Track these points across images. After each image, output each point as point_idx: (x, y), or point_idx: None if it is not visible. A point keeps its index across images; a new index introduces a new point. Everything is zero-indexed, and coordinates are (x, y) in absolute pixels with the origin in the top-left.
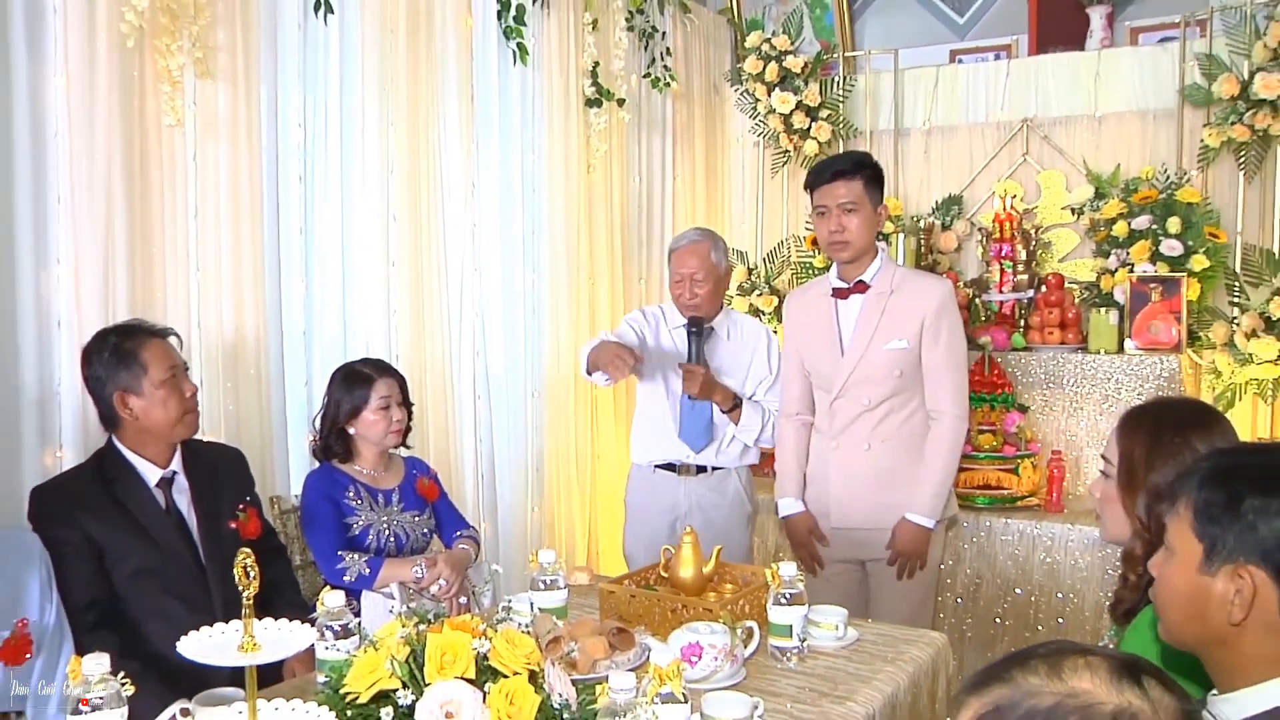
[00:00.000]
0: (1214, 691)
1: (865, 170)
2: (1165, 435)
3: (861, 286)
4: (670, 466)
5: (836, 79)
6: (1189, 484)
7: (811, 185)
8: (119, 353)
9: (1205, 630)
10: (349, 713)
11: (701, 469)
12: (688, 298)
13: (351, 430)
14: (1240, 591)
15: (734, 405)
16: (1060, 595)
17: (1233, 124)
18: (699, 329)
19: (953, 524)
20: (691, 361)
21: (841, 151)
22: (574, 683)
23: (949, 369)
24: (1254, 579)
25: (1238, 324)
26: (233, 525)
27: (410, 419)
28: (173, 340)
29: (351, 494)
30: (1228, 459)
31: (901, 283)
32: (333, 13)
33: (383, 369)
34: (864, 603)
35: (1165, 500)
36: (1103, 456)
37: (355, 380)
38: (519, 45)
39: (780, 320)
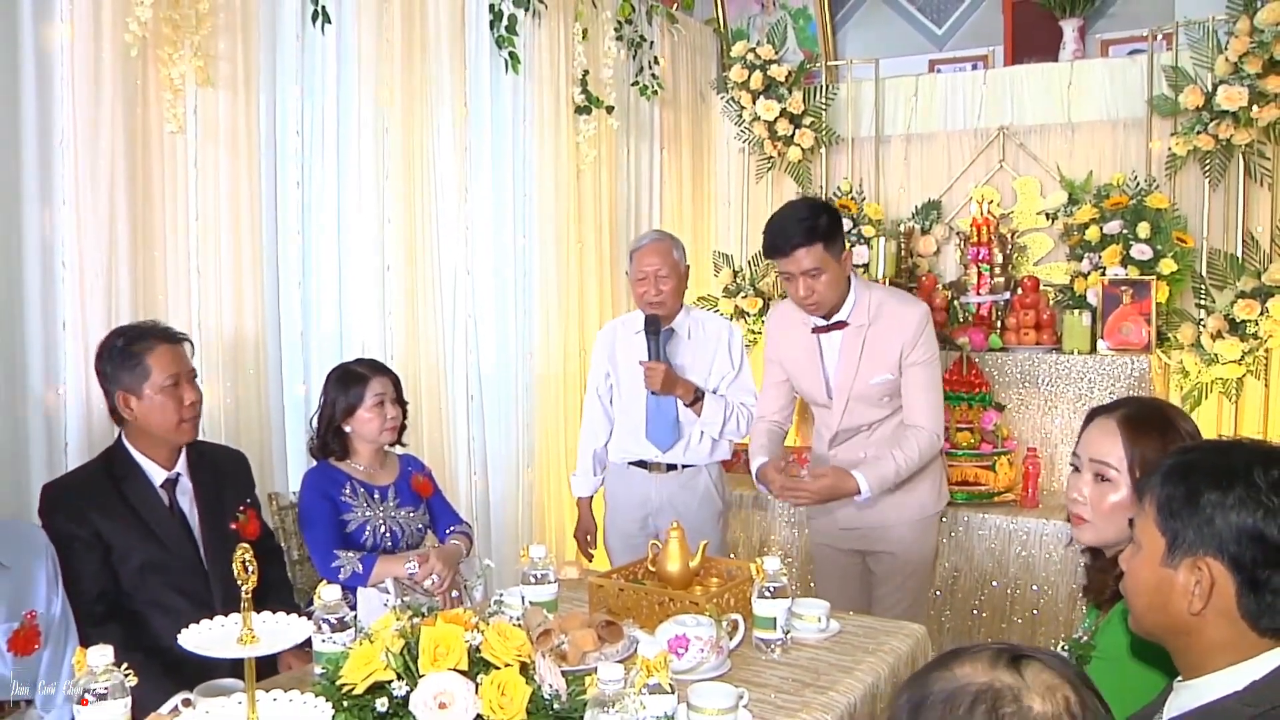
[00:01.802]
0: (1179, 678)
1: (819, 229)
2: (1170, 433)
3: (840, 324)
4: (642, 464)
5: (819, 87)
6: (1153, 480)
7: (770, 256)
8: (126, 354)
9: (1169, 620)
10: (345, 703)
11: (672, 467)
12: (653, 294)
13: (348, 428)
14: (1199, 583)
15: (696, 398)
16: (1035, 587)
17: (1198, 133)
18: (655, 329)
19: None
20: (651, 359)
21: (792, 201)
22: (564, 674)
23: (923, 389)
24: (1211, 571)
25: (1204, 325)
26: (233, 526)
27: (405, 417)
28: (185, 346)
29: (348, 491)
30: (1189, 455)
31: (879, 311)
32: (330, 23)
33: (377, 368)
34: (866, 593)
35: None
36: (1099, 462)
37: (350, 379)
38: (510, 54)
39: (764, 319)
